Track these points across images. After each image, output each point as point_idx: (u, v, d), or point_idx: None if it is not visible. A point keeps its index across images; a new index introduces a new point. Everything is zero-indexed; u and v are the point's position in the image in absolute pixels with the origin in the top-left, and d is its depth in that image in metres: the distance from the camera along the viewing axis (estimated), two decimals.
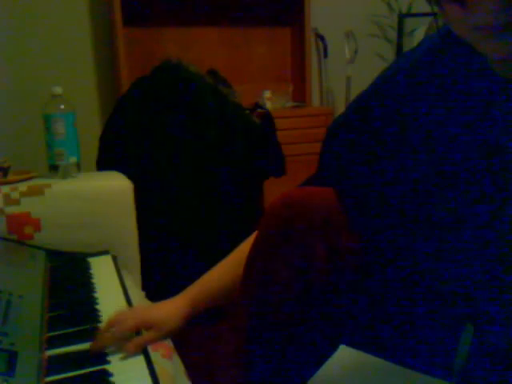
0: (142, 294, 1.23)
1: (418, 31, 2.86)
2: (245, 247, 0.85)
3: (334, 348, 0.77)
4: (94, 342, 0.83)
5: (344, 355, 0.75)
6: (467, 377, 0.69)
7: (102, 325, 0.88)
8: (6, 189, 1.28)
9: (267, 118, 2.04)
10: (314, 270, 0.71)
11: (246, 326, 0.78)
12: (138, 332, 0.86)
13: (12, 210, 1.26)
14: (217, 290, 0.91)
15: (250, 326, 0.77)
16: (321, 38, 2.99)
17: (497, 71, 0.60)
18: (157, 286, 1.46)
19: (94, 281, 1.12)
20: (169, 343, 0.92)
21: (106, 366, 0.78)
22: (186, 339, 1.16)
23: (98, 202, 1.33)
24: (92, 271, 1.18)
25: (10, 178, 1.35)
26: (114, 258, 1.28)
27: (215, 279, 0.92)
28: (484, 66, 0.62)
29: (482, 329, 0.67)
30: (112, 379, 0.74)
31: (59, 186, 1.32)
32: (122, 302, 1.02)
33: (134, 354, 0.82)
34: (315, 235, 0.71)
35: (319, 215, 0.72)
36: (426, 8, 3.09)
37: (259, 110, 2.36)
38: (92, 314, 0.95)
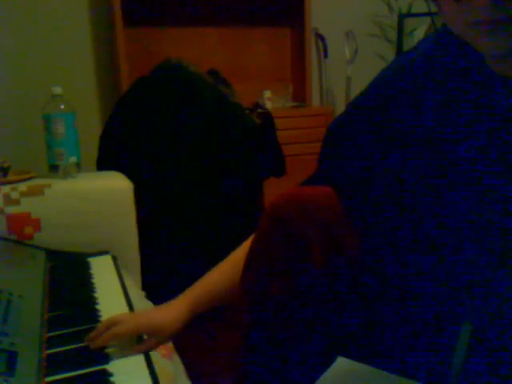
0: (142, 293, 1.23)
1: (418, 31, 2.85)
2: (244, 248, 0.85)
3: (331, 359, 0.77)
4: (92, 336, 0.84)
5: (341, 366, 0.74)
6: (465, 377, 0.69)
7: (101, 323, 0.87)
8: (6, 189, 1.28)
9: (267, 117, 2.04)
10: (313, 269, 0.71)
11: (243, 328, 0.77)
12: (139, 337, 0.86)
13: (12, 210, 1.26)
14: (217, 291, 0.91)
15: (247, 330, 0.77)
16: (321, 37, 2.99)
17: (494, 69, 0.60)
18: (157, 286, 1.46)
19: (94, 281, 1.12)
20: (169, 343, 0.92)
21: (106, 366, 0.78)
22: (186, 339, 1.15)
23: (98, 202, 1.33)
24: (92, 271, 1.18)
25: (10, 178, 1.35)
26: (114, 258, 1.28)
27: (215, 281, 0.92)
28: (481, 64, 0.61)
29: (480, 329, 0.67)
30: (112, 379, 0.74)
31: (59, 186, 1.32)
32: (121, 301, 1.02)
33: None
34: (314, 235, 0.71)
35: (318, 215, 0.72)
36: (426, 8, 3.08)
37: (259, 110, 2.36)
38: (92, 314, 0.95)
